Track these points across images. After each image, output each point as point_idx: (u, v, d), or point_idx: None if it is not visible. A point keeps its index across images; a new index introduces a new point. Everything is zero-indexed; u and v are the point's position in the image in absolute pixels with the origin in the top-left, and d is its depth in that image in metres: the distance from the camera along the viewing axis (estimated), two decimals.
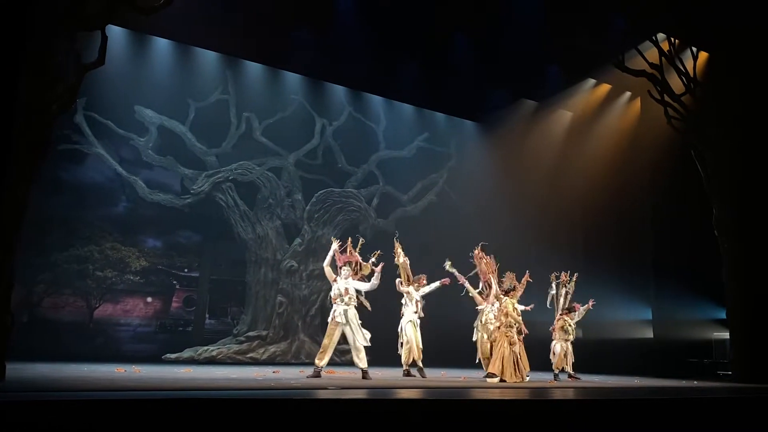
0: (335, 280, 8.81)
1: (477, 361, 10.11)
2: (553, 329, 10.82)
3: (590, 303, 10.96)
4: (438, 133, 17.80)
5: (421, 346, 10.07)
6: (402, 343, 9.97)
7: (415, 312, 9.99)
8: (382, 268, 9.29)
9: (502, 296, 9.73)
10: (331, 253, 8.85)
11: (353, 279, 8.90)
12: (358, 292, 8.83)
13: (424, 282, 10.26)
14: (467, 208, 17.21)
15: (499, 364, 9.25)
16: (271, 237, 15.44)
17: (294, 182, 16.03)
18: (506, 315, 9.41)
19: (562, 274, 10.84)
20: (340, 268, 8.84)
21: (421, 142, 17.68)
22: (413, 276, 10.31)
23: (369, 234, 15.34)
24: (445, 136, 17.93)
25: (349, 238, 9.31)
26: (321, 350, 8.71)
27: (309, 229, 16.11)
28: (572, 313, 10.91)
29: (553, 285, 10.72)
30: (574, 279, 11.01)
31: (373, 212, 16.95)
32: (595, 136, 16.37)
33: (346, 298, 8.64)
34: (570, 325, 10.85)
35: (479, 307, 10.14)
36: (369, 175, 17.10)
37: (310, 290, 15.71)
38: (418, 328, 10.10)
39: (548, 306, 10.70)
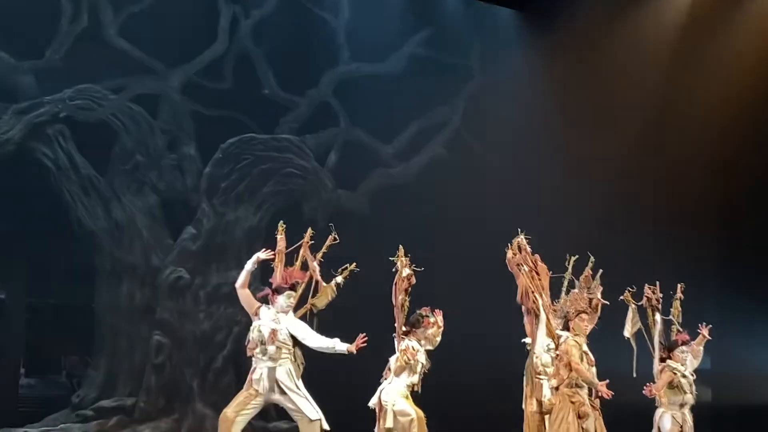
0: (256, 313, 7.05)
1: None
2: (652, 390, 8.42)
3: (704, 330, 8.97)
4: (447, 32, 13.80)
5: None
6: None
7: (414, 385, 7.65)
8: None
9: (559, 333, 7.87)
10: (249, 266, 7.11)
11: (293, 316, 7.16)
12: (294, 340, 7.05)
13: (438, 323, 7.85)
14: (500, 167, 13.43)
15: None
16: (139, 225, 11.94)
17: (182, 123, 12.36)
18: (568, 366, 7.33)
19: (647, 288, 8.80)
20: (275, 294, 7.08)
21: (417, 47, 13.68)
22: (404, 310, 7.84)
23: (322, 217, 11.82)
24: (461, 36, 13.94)
25: (309, 230, 7.64)
26: (221, 422, 6.92)
27: (210, 210, 12.29)
28: (679, 353, 8.62)
29: (631, 309, 8.79)
30: (679, 295, 9.06)
31: (329, 178, 13.10)
32: (733, 39, 13.01)
33: (271, 349, 6.90)
34: (684, 377, 8.50)
35: (526, 341, 8.24)
36: (321, 109, 13.11)
37: (214, 322, 12.00)
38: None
39: (634, 347, 8.75)
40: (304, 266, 7.62)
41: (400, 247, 7.87)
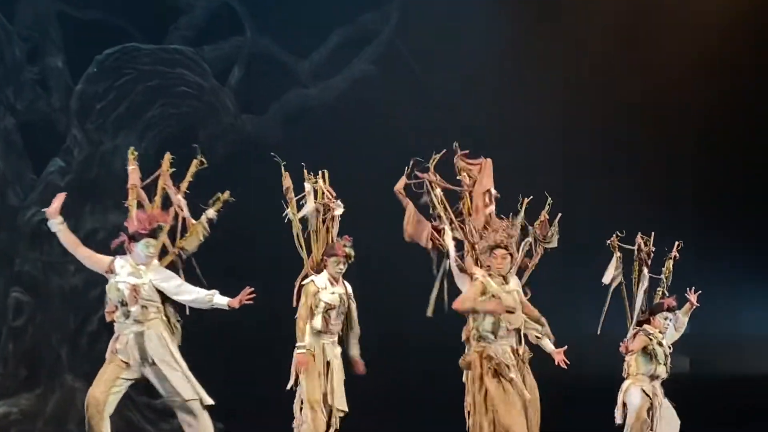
0: (111, 270, 6.42)
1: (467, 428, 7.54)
2: (628, 346, 7.89)
3: (692, 296, 8.25)
4: None
5: (343, 393, 7.03)
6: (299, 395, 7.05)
7: (326, 332, 7.07)
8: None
9: (475, 269, 6.99)
10: (54, 226, 6.55)
11: (158, 265, 6.55)
12: (163, 295, 6.45)
13: (347, 249, 7.17)
14: (444, 89, 12.81)
15: None
16: None
17: (46, 28, 12.12)
18: (473, 313, 6.78)
19: (639, 237, 8.20)
20: (131, 241, 6.48)
21: None
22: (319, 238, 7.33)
23: (222, 146, 11.76)
24: None
25: (167, 156, 6.73)
26: (89, 406, 6.19)
27: (83, 137, 11.99)
28: (661, 319, 8.04)
29: (615, 257, 8.09)
30: (674, 254, 8.34)
31: (231, 99, 12.57)
32: None
33: (134, 309, 6.37)
34: (659, 345, 7.94)
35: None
36: (221, 13, 12.53)
37: (88, 276, 10.75)
38: (339, 360, 7.11)
39: (608, 299, 8.05)
40: (167, 203, 6.70)
41: (324, 173, 7.31)
